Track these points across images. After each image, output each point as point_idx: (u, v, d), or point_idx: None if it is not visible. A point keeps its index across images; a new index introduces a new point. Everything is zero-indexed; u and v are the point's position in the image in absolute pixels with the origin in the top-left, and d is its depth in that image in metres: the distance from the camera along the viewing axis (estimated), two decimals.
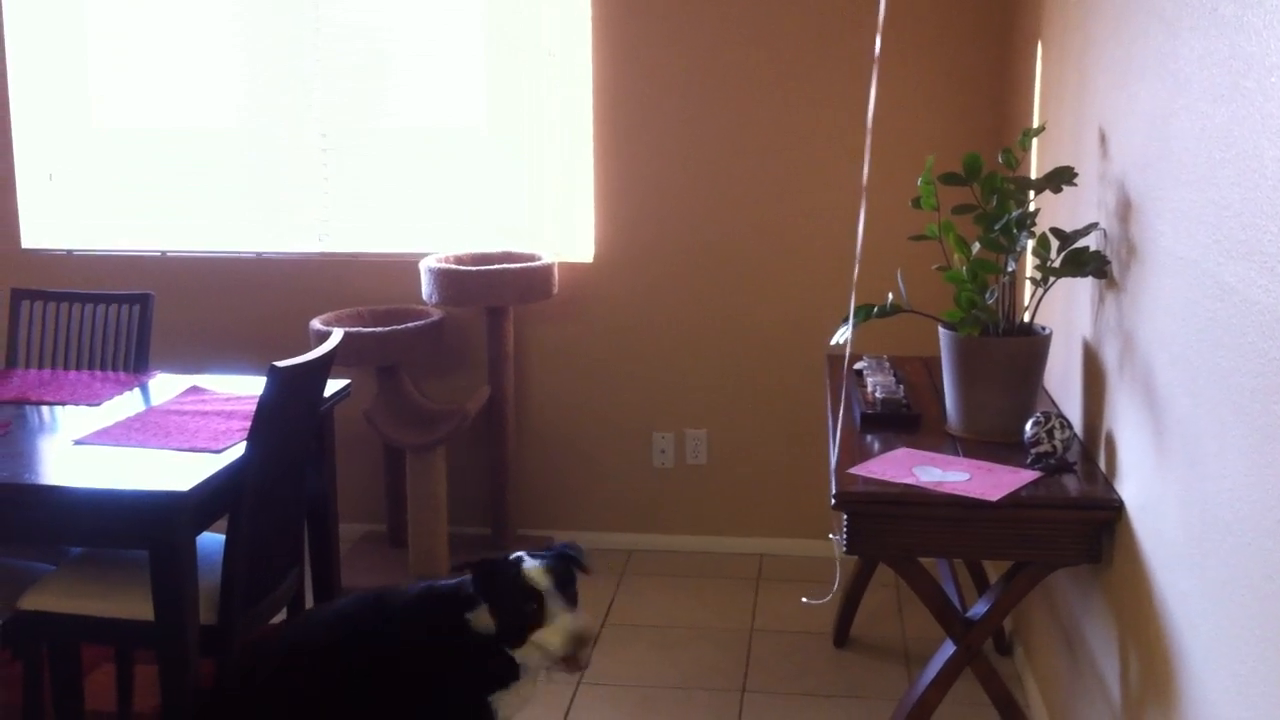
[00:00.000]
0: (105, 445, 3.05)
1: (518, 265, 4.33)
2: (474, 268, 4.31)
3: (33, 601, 2.95)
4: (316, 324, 4.30)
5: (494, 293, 4.29)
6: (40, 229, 4.86)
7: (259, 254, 4.74)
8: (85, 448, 3.05)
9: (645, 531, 4.74)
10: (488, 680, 2.76)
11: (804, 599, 4.09)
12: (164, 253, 4.78)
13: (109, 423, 3.22)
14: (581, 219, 4.60)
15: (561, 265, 4.54)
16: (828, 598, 3.98)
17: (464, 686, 2.76)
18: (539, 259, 4.44)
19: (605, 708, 3.58)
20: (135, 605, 2.89)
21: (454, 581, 2.85)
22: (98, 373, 3.81)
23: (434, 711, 2.77)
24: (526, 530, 4.74)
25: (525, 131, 4.60)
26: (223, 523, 2.98)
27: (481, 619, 2.74)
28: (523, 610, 2.69)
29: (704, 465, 4.69)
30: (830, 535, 2.59)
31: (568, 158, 4.59)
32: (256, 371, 3.27)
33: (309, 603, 3.49)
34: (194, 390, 3.53)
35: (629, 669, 3.79)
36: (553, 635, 2.68)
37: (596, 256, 4.60)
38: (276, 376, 2.89)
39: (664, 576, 4.49)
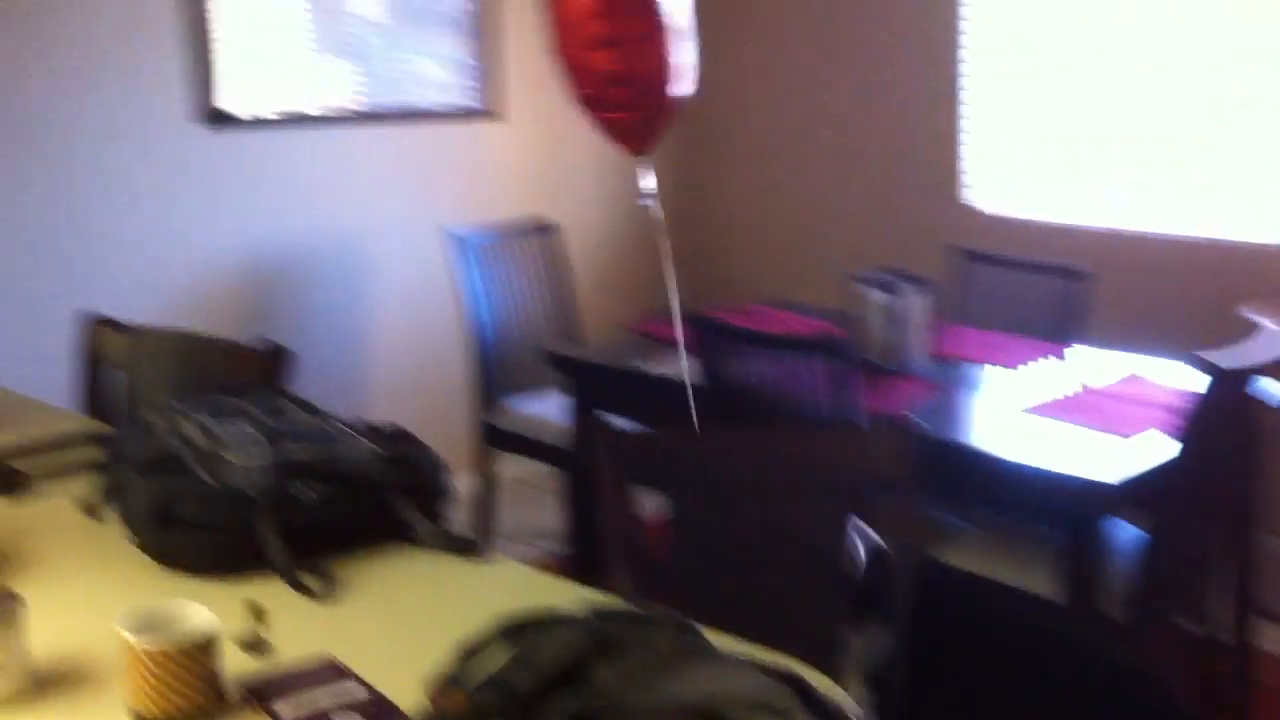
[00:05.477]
0: (1050, 419, 3.07)
1: None
2: None
3: (954, 557, 3.09)
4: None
5: None
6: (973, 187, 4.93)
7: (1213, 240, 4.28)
8: (1031, 418, 3.08)
9: None
10: None
11: None
12: (1105, 229, 4.54)
13: (1043, 393, 3.25)
14: None
15: None
16: None
17: None
18: None
19: None
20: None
21: None
22: (1012, 336, 3.85)
23: None
24: None
25: None
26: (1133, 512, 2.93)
27: None
28: None
29: None
30: None
31: None
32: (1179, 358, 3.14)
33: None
34: (1132, 379, 3.43)
35: None
36: None
37: None
38: (1218, 376, 2.73)
39: None
